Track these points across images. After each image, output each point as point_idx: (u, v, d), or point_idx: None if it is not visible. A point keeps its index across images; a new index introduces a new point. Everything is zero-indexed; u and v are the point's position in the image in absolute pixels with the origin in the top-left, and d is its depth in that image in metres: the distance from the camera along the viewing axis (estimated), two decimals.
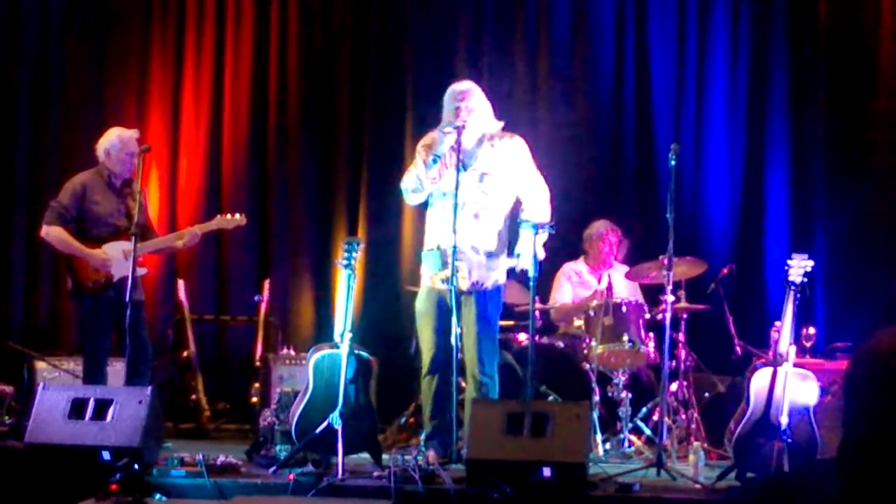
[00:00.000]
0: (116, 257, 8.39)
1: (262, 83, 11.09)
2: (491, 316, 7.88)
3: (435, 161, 7.76)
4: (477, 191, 7.79)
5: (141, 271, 8.34)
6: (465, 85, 7.96)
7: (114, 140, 8.65)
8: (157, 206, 10.63)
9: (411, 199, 8.02)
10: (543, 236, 7.77)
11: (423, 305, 7.93)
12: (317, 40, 11.13)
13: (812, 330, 9.03)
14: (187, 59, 11.12)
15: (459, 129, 7.67)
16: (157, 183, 10.86)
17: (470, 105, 7.82)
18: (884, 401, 2.58)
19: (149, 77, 11.11)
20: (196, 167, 11.04)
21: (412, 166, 7.97)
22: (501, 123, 8.01)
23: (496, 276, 7.88)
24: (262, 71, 11.09)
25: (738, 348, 9.23)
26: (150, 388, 7.41)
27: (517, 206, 7.96)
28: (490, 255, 7.82)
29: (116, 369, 8.60)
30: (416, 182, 7.88)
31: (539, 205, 7.89)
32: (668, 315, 7.84)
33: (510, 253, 7.89)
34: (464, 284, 7.66)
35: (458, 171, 7.61)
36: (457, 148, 7.67)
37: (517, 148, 7.99)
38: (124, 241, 8.28)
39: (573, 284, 9.77)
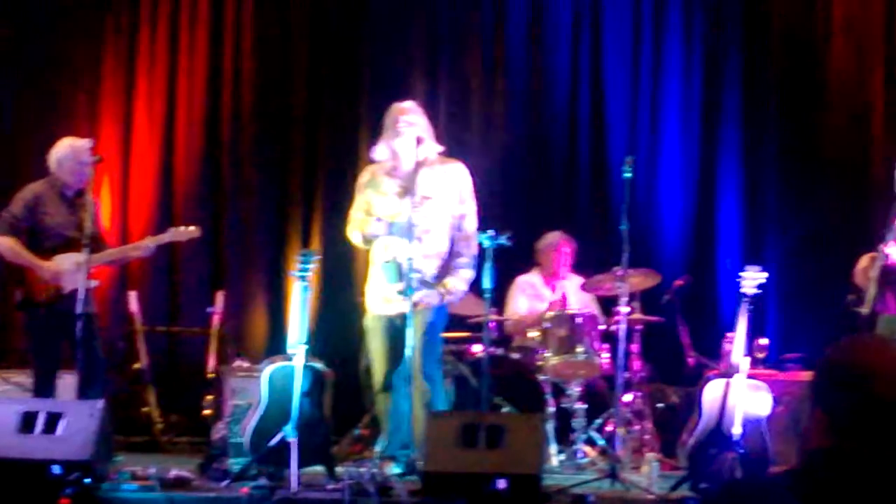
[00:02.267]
0: (68, 269, 8.30)
1: (215, 94, 11.04)
2: (436, 329, 7.96)
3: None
4: (419, 214, 7.78)
5: (92, 283, 8.26)
6: (408, 104, 8.04)
7: (66, 150, 8.56)
8: (109, 217, 10.55)
9: (362, 246, 8.17)
10: (469, 272, 7.86)
11: (371, 326, 7.98)
12: (272, 52, 11.09)
13: (764, 341, 9.09)
14: (140, 69, 11.04)
15: (418, 141, 7.72)
16: (109, 193, 10.77)
17: (411, 121, 7.88)
18: (857, 418, 2.59)
19: (101, 85, 11.02)
20: (149, 177, 10.97)
21: (355, 213, 8.06)
22: (441, 148, 8.04)
23: (438, 294, 7.92)
24: (215, 82, 11.04)
25: (691, 359, 9.28)
26: (101, 401, 7.34)
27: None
28: (434, 277, 7.86)
29: (67, 382, 8.52)
30: (362, 243, 8.07)
31: (464, 245, 7.95)
32: (623, 326, 7.88)
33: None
34: (414, 298, 7.66)
35: (410, 196, 7.71)
36: (416, 165, 7.73)
37: (458, 174, 8.03)
38: (76, 253, 8.20)
39: (527, 296, 9.78)
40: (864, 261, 8.10)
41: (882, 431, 2.56)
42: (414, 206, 7.71)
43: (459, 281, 7.92)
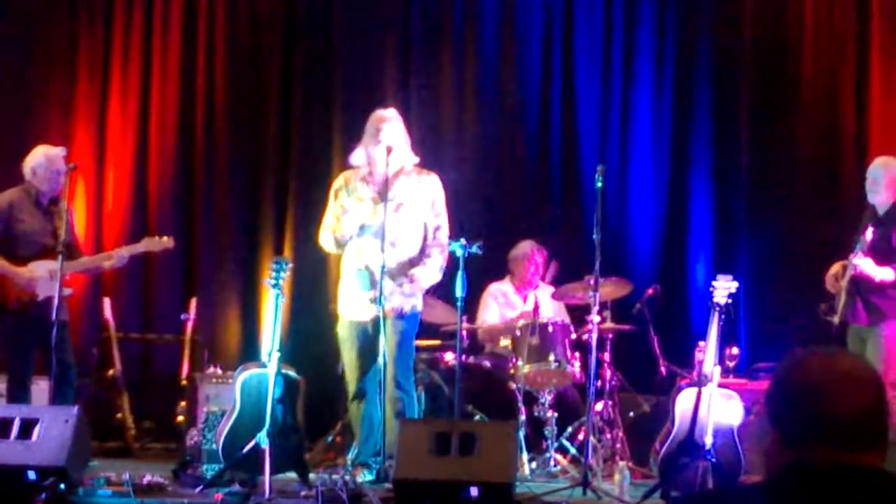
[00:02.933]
0: (42, 276, 8.30)
1: (189, 101, 11.03)
2: (408, 338, 7.99)
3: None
4: (393, 220, 7.83)
5: (66, 291, 8.27)
6: (389, 112, 8.08)
7: (40, 158, 8.56)
8: (84, 224, 10.53)
9: (333, 251, 8.18)
10: (438, 261, 7.94)
11: (344, 333, 8.02)
12: (245, 59, 11.10)
13: (735, 350, 9.15)
14: (113, 76, 11.01)
15: (388, 150, 7.75)
16: (84, 201, 10.76)
17: (391, 129, 7.91)
18: (809, 435, 2.63)
19: (74, 93, 11.00)
20: (123, 185, 10.95)
21: (327, 220, 8.10)
22: (417, 159, 8.10)
23: (413, 301, 7.97)
24: (189, 89, 11.02)
25: (662, 368, 9.31)
26: (76, 407, 7.35)
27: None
28: (399, 281, 7.90)
29: (41, 388, 8.53)
30: (334, 248, 8.07)
31: (433, 259, 7.99)
32: (594, 335, 7.92)
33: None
34: (386, 306, 7.70)
35: (384, 201, 7.73)
36: (383, 169, 7.74)
37: (432, 186, 8.09)
38: (50, 261, 8.20)
39: (499, 305, 9.81)
40: (834, 267, 8.17)
41: (837, 447, 2.60)
42: (388, 212, 7.75)
43: (425, 270, 7.96)
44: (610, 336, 9.03)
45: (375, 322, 7.65)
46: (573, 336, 8.98)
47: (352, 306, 7.96)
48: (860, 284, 7.93)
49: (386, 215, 7.69)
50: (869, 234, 7.77)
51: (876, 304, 7.92)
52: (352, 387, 7.97)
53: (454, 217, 8.25)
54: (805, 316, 9.00)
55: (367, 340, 7.78)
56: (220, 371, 9.43)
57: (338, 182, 8.18)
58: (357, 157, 8.05)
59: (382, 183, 7.81)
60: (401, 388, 7.83)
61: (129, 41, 11.06)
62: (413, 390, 8.01)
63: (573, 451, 8.74)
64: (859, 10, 10.55)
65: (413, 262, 7.95)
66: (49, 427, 7.04)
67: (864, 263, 7.77)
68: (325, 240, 8.11)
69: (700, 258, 10.54)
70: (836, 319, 8.09)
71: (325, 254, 9.88)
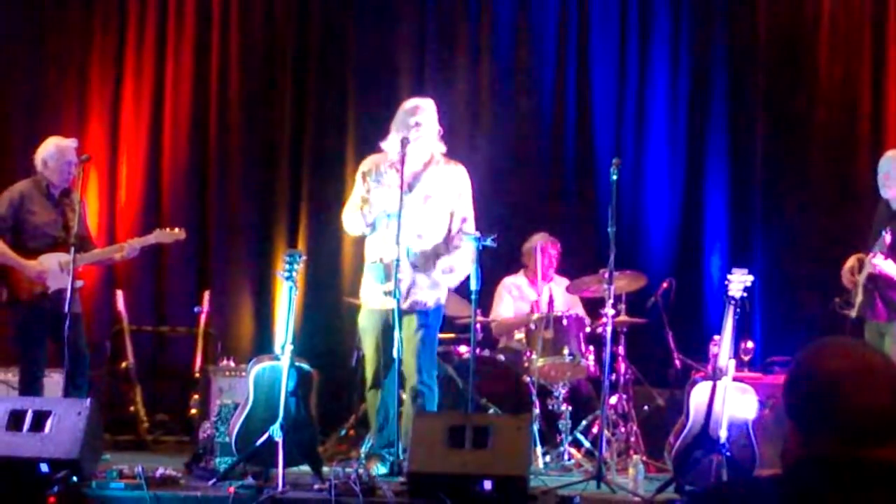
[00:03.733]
0: (53, 269, 8.30)
1: (203, 94, 11.03)
2: (432, 331, 7.95)
3: (377, 221, 7.85)
4: (420, 212, 7.81)
5: (78, 283, 8.25)
6: (423, 101, 8.02)
7: (51, 149, 8.56)
8: (96, 217, 10.53)
9: (353, 233, 8.11)
10: (467, 256, 7.85)
11: (365, 323, 7.99)
12: (259, 52, 11.09)
13: (750, 344, 9.11)
14: (127, 68, 11.02)
15: (404, 141, 7.69)
16: (97, 193, 10.75)
17: (421, 120, 7.86)
18: (827, 428, 2.59)
19: (88, 85, 11.00)
20: (136, 177, 10.96)
21: (353, 199, 8.02)
22: (444, 148, 8.05)
23: (438, 294, 7.93)
24: (203, 81, 11.03)
25: (677, 362, 9.27)
26: (89, 399, 7.33)
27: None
28: (432, 275, 7.87)
29: (54, 380, 8.52)
30: (359, 228, 7.97)
31: (463, 251, 7.93)
32: (609, 329, 7.88)
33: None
34: (404, 303, 7.66)
35: (402, 192, 7.63)
36: (402, 162, 7.68)
37: (460, 178, 8.04)
38: (62, 253, 8.20)
39: (513, 298, 9.78)
40: (850, 261, 8.13)
41: (854, 441, 2.56)
42: (416, 203, 7.72)
43: (460, 258, 7.90)
44: (624, 329, 9.00)
45: (398, 310, 7.61)
46: (587, 329, 8.96)
47: (374, 295, 7.92)
48: (878, 281, 7.88)
49: (407, 206, 7.62)
50: (888, 237, 7.71)
51: (895, 300, 7.87)
52: (370, 375, 7.94)
53: None
54: (820, 310, 8.97)
55: (389, 331, 7.73)
56: (233, 364, 9.45)
57: (366, 164, 8.10)
58: (389, 143, 7.96)
59: (412, 173, 7.78)
60: (422, 382, 7.79)
61: (144, 34, 11.06)
62: (435, 385, 7.96)
63: (587, 444, 8.71)
64: (875, 2, 10.50)
65: (438, 253, 7.91)
66: (62, 419, 7.04)
67: (883, 265, 7.73)
68: (350, 220, 8.03)
69: (715, 251, 10.52)
70: (852, 313, 8.05)
71: (341, 242, 9.90)
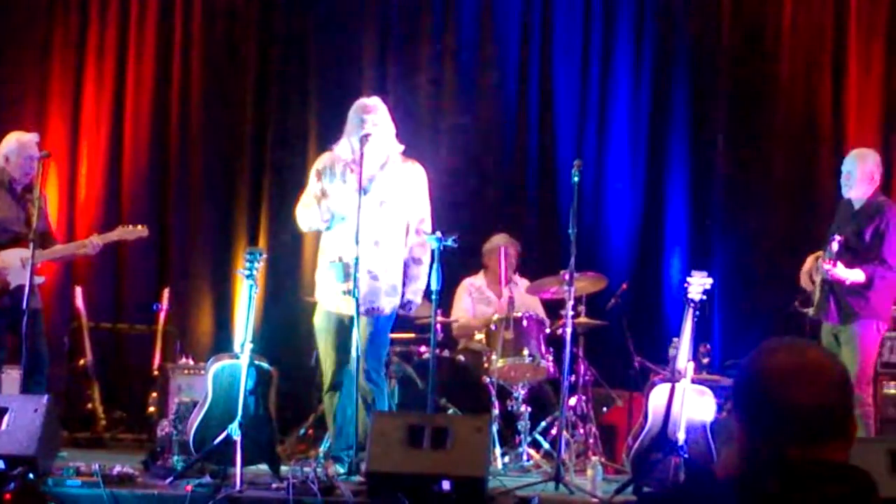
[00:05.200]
0: (13, 265, 8.25)
1: (164, 90, 11.00)
2: (383, 332, 7.92)
3: (333, 218, 7.76)
4: (376, 217, 7.71)
5: (38, 280, 8.21)
6: (373, 101, 7.88)
7: (13, 144, 8.51)
8: (56, 213, 10.46)
9: (307, 229, 8.07)
10: (424, 283, 7.86)
11: (322, 324, 7.91)
12: (221, 49, 11.08)
13: (709, 346, 9.15)
14: (89, 62, 10.99)
15: (363, 139, 7.62)
16: (56, 189, 10.70)
17: (376, 120, 7.78)
18: (775, 426, 2.61)
19: (49, 79, 10.95)
20: (96, 174, 10.91)
21: (307, 195, 7.90)
22: (402, 147, 7.96)
23: (394, 301, 7.88)
24: (164, 77, 11.00)
25: (636, 364, 9.31)
26: (46, 396, 7.28)
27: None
28: (393, 288, 7.83)
29: (12, 377, 8.48)
30: (315, 223, 7.86)
31: (421, 251, 7.92)
32: (569, 330, 7.89)
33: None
34: (360, 307, 7.60)
35: (360, 192, 7.53)
36: (359, 162, 7.62)
37: (416, 177, 7.93)
38: (23, 249, 8.14)
39: (473, 299, 9.79)
40: (808, 262, 8.20)
41: (801, 440, 2.58)
42: (371, 207, 7.66)
43: (416, 294, 7.92)
44: (584, 331, 9.02)
45: (352, 315, 7.56)
46: (547, 331, 8.97)
47: (330, 297, 7.86)
48: (833, 284, 7.94)
49: (363, 210, 7.52)
50: (835, 245, 7.76)
51: (849, 304, 7.93)
52: (327, 378, 7.89)
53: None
54: (779, 312, 9.02)
55: (344, 332, 7.69)
56: (191, 362, 9.43)
57: (321, 161, 7.96)
58: (341, 148, 7.86)
59: (368, 175, 7.68)
60: (371, 380, 7.76)
61: (105, 30, 11.03)
62: (384, 383, 7.95)
63: (546, 445, 8.73)
64: (836, 4, 10.56)
65: (400, 263, 7.87)
66: (18, 416, 6.99)
67: (835, 271, 7.78)
68: (304, 216, 7.90)
69: (675, 254, 10.56)
70: (811, 312, 8.12)
71: (299, 244, 9.88)
